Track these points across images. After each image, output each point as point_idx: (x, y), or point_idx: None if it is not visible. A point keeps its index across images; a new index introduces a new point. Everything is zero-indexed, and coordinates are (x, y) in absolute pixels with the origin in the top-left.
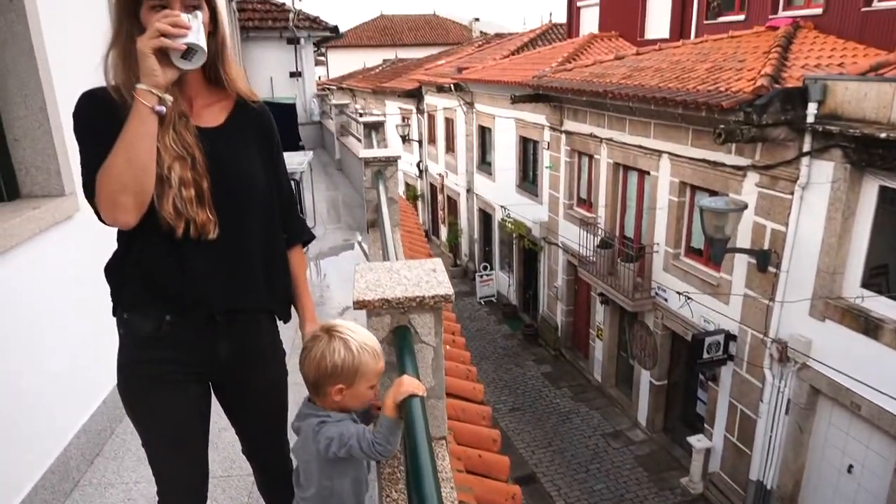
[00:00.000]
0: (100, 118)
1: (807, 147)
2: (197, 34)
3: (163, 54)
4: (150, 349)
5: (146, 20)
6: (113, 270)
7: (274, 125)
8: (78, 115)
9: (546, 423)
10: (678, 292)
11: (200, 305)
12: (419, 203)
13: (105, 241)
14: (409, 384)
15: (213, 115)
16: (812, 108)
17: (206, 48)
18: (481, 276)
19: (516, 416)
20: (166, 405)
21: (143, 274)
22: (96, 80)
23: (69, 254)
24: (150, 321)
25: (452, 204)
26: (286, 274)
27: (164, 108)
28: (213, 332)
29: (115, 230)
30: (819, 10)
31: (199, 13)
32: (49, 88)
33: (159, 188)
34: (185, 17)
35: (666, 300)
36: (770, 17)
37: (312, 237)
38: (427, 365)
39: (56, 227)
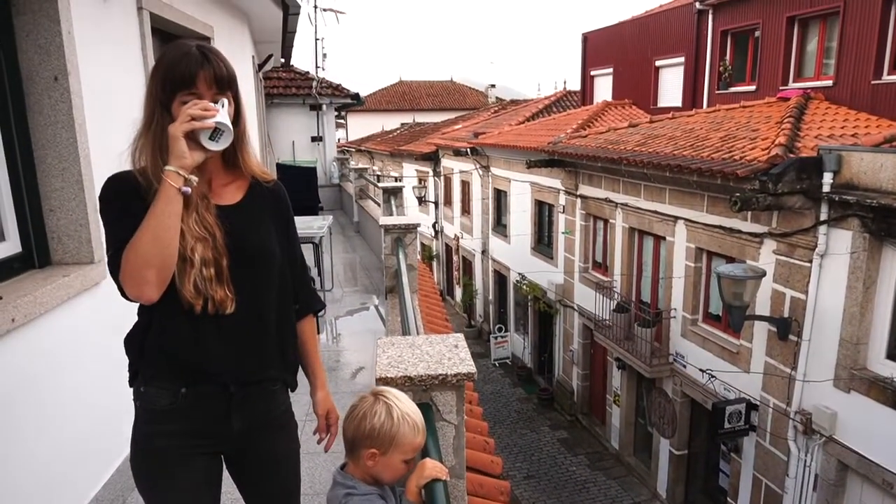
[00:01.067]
0: (125, 200)
1: (823, 216)
2: (224, 117)
3: (191, 139)
4: (165, 422)
5: (177, 113)
6: (133, 343)
7: (287, 201)
8: (104, 196)
9: (562, 493)
10: (702, 370)
11: (216, 378)
12: (434, 263)
13: (128, 310)
14: (431, 468)
15: (231, 194)
16: (827, 178)
17: (232, 129)
18: (496, 338)
19: (531, 483)
20: (178, 480)
21: (161, 348)
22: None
23: (94, 321)
24: (167, 394)
25: (467, 265)
26: (296, 343)
27: (189, 189)
28: (227, 403)
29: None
30: (829, 82)
31: (224, 101)
32: (86, 163)
33: (181, 267)
34: (212, 104)
35: (684, 367)
36: (781, 87)
37: (323, 306)
38: (448, 444)
39: (83, 295)
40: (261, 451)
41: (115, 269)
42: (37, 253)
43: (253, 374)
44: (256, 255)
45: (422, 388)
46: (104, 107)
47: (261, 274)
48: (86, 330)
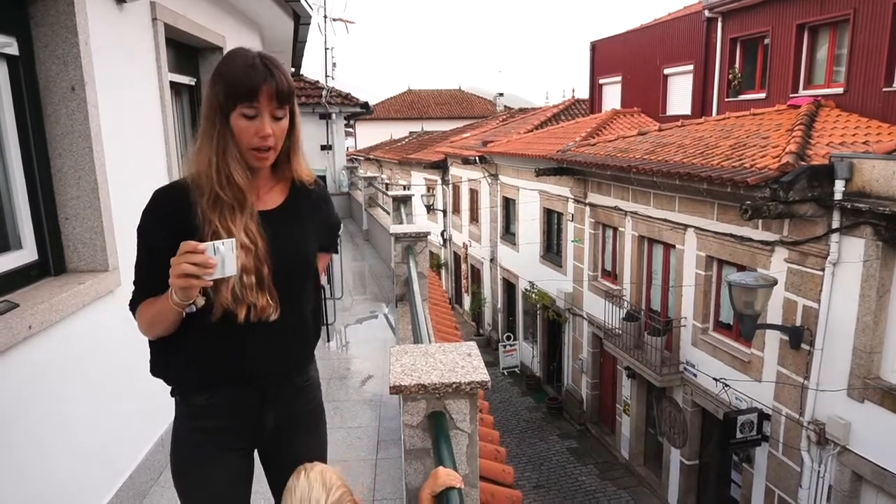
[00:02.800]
0: (163, 229)
1: (835, 224)
2: (222, 268)
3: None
4: (203, 418)
5: (235, 123)
6: (167, 367)
7: (329, 201)
8: (145, 212)
9: (572, 503)
10: (715, 378)
11: (253, 381)
12: (443, 272)
13: None
14: (445, 476)
15: (274, 198)
16: (839, 186)
17: (236, 270)
18: (505, 347)
19: (540, 493)
20: (213, 474)
21: (203, 360)
22: (146, 165)
23: (108, 328)
24: (204, 395)
25: (476, 273)
26: (319, 332)
27: (194, 308)
28: (261, 401)
29: None
30: (840, 90)
31: (231, 241)
32: (102, 171)
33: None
34: (211, 251)
35: (695, 375)
36: (791, 95)
37: (336, 252)
38: (462, 452)
39: (98, 302)
40: (293, 445)
41: (133, 308)
42: (53, 261)
43: (290, 373)
44: (297, 260)
45: (435, 397)
46: (119, 116)
47: (300, 278)
48: (100, 337)
